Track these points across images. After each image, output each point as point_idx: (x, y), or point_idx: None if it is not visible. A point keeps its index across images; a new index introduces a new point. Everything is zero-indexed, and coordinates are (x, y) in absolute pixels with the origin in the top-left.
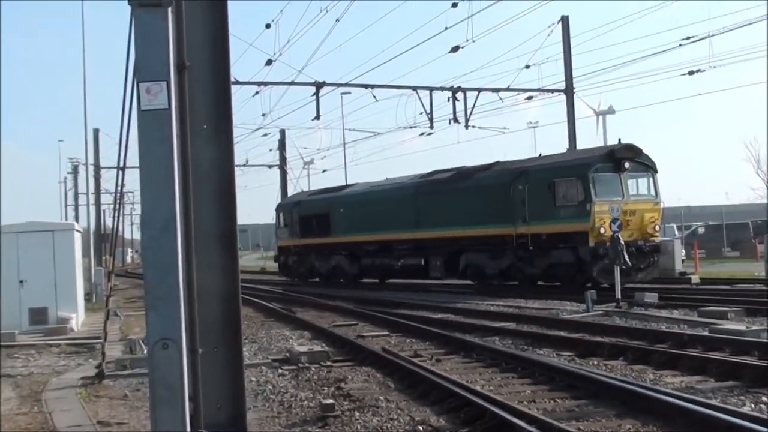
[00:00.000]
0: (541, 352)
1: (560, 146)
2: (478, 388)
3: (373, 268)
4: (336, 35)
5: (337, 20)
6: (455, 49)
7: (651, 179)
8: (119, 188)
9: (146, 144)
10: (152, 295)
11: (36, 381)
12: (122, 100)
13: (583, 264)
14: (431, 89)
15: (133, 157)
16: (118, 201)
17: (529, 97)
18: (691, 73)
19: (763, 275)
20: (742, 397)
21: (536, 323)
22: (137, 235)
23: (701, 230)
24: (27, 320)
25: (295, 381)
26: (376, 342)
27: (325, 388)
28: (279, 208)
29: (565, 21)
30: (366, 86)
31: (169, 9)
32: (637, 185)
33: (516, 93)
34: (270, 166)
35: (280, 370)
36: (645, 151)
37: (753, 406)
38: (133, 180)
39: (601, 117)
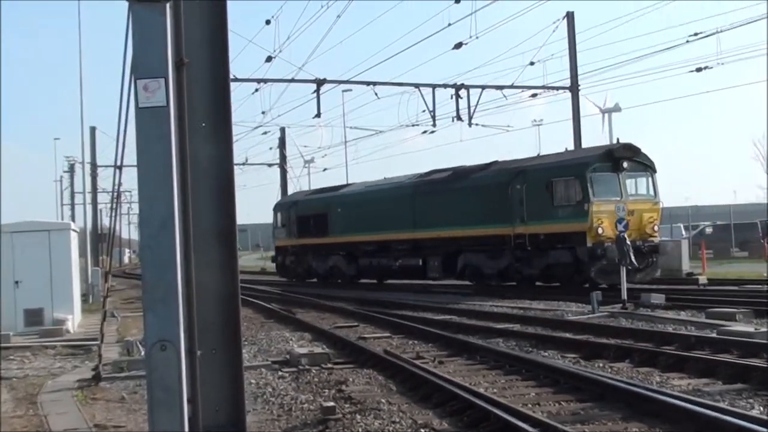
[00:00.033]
0: (546, 353)
1: (565, 144)
2: (481, 390)
3: (371, 268)
4: (337, 32)
5: (338, 16)
6: (458, 45)
7: (650, 179)
8: (116, 187)
9: (144, 142)
10: (150, 295)
11: (31, 383)
12: (119, 98)
13: (581, 264)
14: (434, 86)
15: (131, 156)
16: (115, 200)
17: (534, 95)
18: (698, 70)
19: None
20: (751, 400)
21: (541, 324)
22: (135, 235)
23: (709, 230)
24: (22, 321)
25: (295, 383)
26: (378, 344)
27: (326, 390)
28: (276, 208)
29: (570, 17)
30: (367, 83)
31: (168, 5)
32: (636, 185)
33: (520, 90)
34: (270, 165)
35: (280, 372)
36: (651, 149)
37: (762, 409)
38: (130, 179)
39: (606, 115)
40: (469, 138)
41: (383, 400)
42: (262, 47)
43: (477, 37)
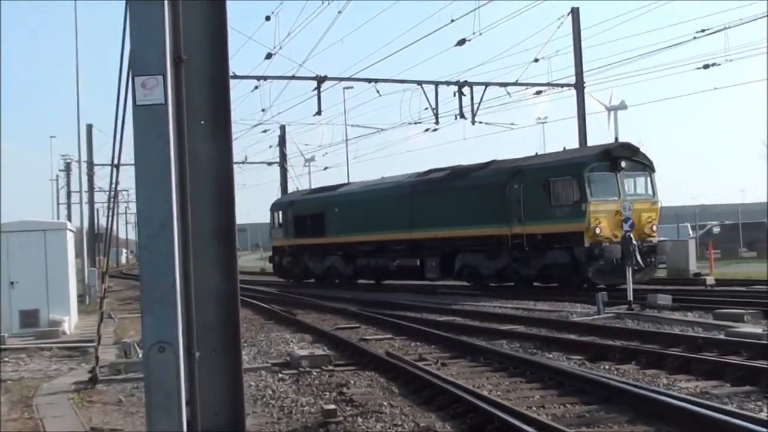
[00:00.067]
0: (551, 355)
1: (570, 143)
2: (485, 393)
3: (369, 269)
4: (338, 28)
5: (339, 12)
6: (461, 42)
7: (648, 178)
8: (114, 186)
9: (142, 140)
10: (148, 296)
11: (27, 386)
12: (117, 95)
13: (579, 265)
14: (436, 84)
15: (129, 154)
16: (112, 199)
17: (538, 92)
18: (706, 66)
19: None
20: (759, 403)
21: (545, 326)
22: (132, 235)
23: (716, 230)
24: (17, 323)
25: (295, 386)
26: (380, 345)
27: (327, 393)
28: (274, 208)
29: (575, 13)
30: (369, 81)
31: (166, 1)
32: (635, 185)
33: (524, 87)
34: (270, 164)
35: (280, 375)
36: (657, 147)
37: None
38: (128, 177)
39: (612, 112)
40: (472, 136)
41: (385, 403)
42: (261, 44)
43: (480, 34)
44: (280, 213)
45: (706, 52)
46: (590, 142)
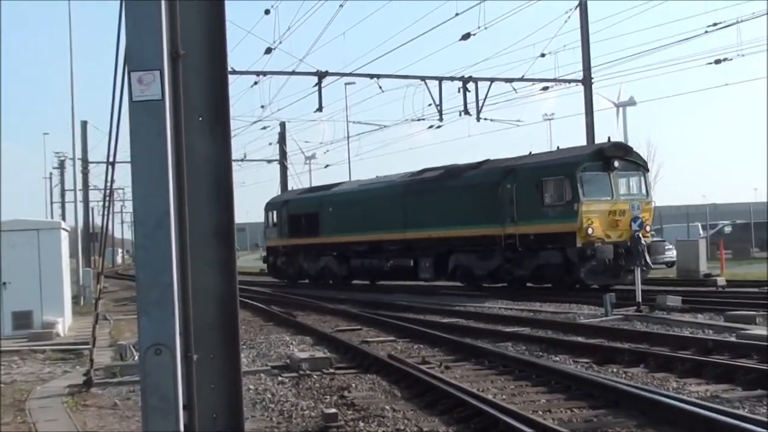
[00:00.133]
0: (557, 358)
1: (578, 140)
2: (489, 396)
3: (363, 269)
4: (339, 22)
5: (341, 6)
6: (466, 36)
7: (642, 178)
8: (109, 184)
9: (138, 137)
10: (144, 297)
11: (19, 389)
12: (112, 91)
13: (571, 265)
14: (440, 79)
15: (124, 151)
16: (107, 198)
17: (545, 88)
18: (717, 62)
19: None
20: None
21: (551, 328)
22: (128, 235)
23: (728, 229)
24: (10, 325)
25: (295, 389)
26: (382, 348)
27: (328, 396)
28: (268, 207)
29: (583, 6)
30: (371, 76)
31: None
32: (628, 184)
33: (531, 83)
34: (269, 161)
35: (279, 378)
36: (666, 144)
37: None
38: (123, 175)
39: (621, 109)
40: (477, 133)
41: (387, 407)
42: (261, 38)
43: (486, 28)
44: (275, 213)
45: (717, 46)
46: (598, 139)
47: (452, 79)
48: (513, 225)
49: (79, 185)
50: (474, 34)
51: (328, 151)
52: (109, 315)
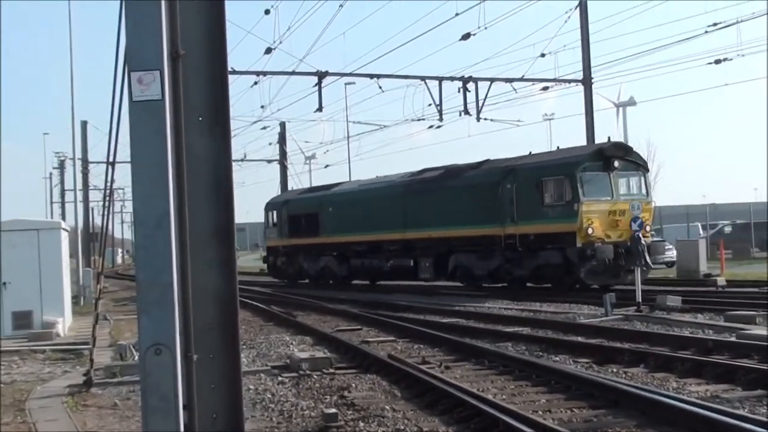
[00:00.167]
0: (557, 358)
1: (578, 140)
2: (489, 396)
3: (363, 269)
4: (339, 22)
5: (341, 6)
6: (466, 36)
7: (642, 178)
8: (109, 184)
9: (138, 137)
10: (145, 297)
11: (19, 389)
12: (112, 91)
13: (571, 265)
14: (441, 79)
15: (124, 151)
16: (107, 198)
17: (545, 88)
18: (717, 62)
19: None
20: None
21: (552, 328)
22: (128, 235)
23: (728, 229)
24: (10, 325)
25: (295, 389)
26: (382, 348)
27: (328, 396)
28: (268, 207)
29: (583, 6)
30: (371, 76)
31: None
32: (628, 184)
33: (531, 83)
34: (269, 161)
35: (279, 378)
36: (666, 144)
37: None
38: (123, 175)
39: (621, 109)
40: (477, 133)
41: (387, 407)
42: (261, 38)
43: (486, 28)
44: (274, 213)
45: (717, 46)
46: (598, 139)
47: (452, 79)
48: (513, 225)
49: (79, 185)
50: (474, 34)
51: (328, 151)
52: (109, 315)
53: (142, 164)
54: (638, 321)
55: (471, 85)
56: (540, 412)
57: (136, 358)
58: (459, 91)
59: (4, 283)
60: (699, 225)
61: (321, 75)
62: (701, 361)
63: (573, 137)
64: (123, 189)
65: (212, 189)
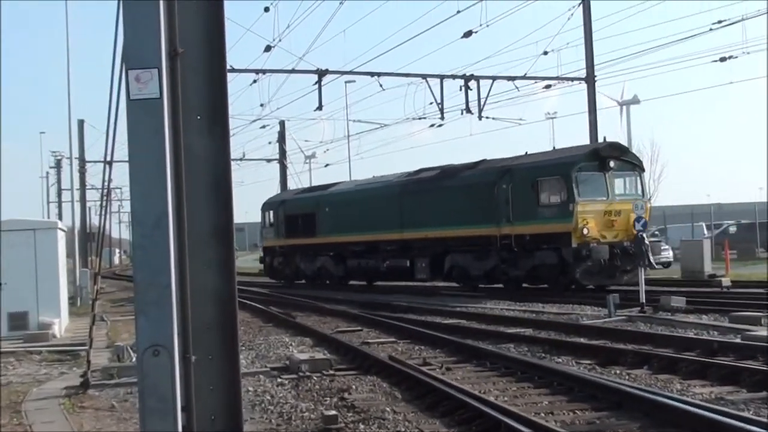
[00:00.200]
0: (560, 360)
1: (581, 139)
2: (491, 398)
3: (359, 269)
4: (340, 19)
5: (341, 3)
6: (468, 34)
7: (638, 178)
8: (106, 183)
9: (136, 136)
10: (142, 297)
11: (15, 391)
12: (109, 89)
13: (566, 265)
14: (442, 77)
15: (122, 150)
16: (105, 197)
17: (548, 86)
18: (722, 59)
19: None
20: None
21: (554, 329)
22: (126, 235)
23: (733, 229)
24: (6, 326)
25: (295, 391)
26: (383, 349)
27: (328, 398)
28: (265, 207)
29: (586, 4)
30: (372, 74)
31: None
32: (625, 184)
33: (533, 81)
34: (269, 160)
35: (279, 379)
36: (670, 143)
37: None
38: (121, 174)
39: (624, 107)
40: (479, 132)
41: (388, 409)
42: (260, 36)
43: (488, 25)
44: (271, 213)
45: (722, 44)
46: (601, 138)
47: (454, 77)
48: (509, 225)
49: (76, 185)
50: (476, 32)
51: (328, 150)
52: (107, 316)
53: (140, 163)
54: (642, 322)
55: (473, 84)
56: (542, 414)
57: (134, 359)
58: (460, 90)
59: (0, 284)
60: (704, 225)
61: (321, 73)
62: (706, 362)
63: (576, 136)
64: (121, 188)
65: (211, 189)
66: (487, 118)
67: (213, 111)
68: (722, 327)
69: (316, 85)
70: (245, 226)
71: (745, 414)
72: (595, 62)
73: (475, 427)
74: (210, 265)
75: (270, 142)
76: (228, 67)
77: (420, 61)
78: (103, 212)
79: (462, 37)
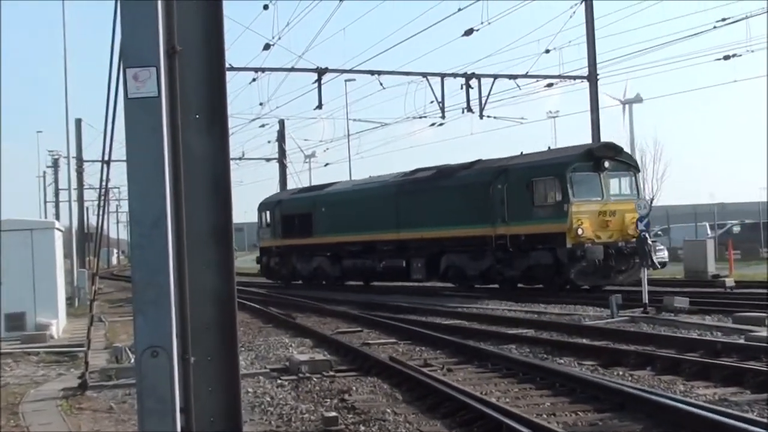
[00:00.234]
0: (562, 361)
1: (583, 138)
2: (493, 399)
3: (356, 269)
4: (339, 17)
5: (341, 1)
6: (469, 32)
7: (632, 179)
8: (104, 183)
9: (134, 135)
10: (141, 298)
11: (12, 392)
12: (107, 88)
13: (561, 266)
14: (443, 76)
15: (120, 150)
16: (102, 197)
17: (549, 85)
18: (726, 57)
19: None
20: None
21: (556, 330)
22: (124, 234)
23: (736, 229)
24: (3, 327)
25: (295, 392)
26: (383, 350)
27: (328, 399)
28: (261, 207)
29: (588, 1)
30: (372, 73)
31: None
32: (619, 185)
33: (535, 80)
34: (268, 160)
35: (279, 381)
36: (673, 142)
37: None
38: (119, 174)
39: (627, 106)
40: (480, 131)
41: (389, 410)
42: (259, 34)
43: (489, 23)
44: (268, 213)
45: (726, 42)
46: (604, 137)
47: (455, 75)
48: (504, 225)
49: (74, 184)
50: (477, 30)
51: (328, 149)
52: (104, 317)
53: (138, 162)
54: (645, 323)
55: (474, 82)
56: (544, 416)
57: (132, 360)
58: (461, 88)
59: None
60: (707, 225)
61: (321, 71)
62: (709, 363)
63: (578, 135)
64: (118, 188)
65: (210, 188)
66: (488, 117)
67: (212, 110)
68: (726, 328)
69: (316, 84)
70: (244, 225)
71: (749, 415)
72: (598, 60)
73: (476, 429)
74: (209, 265)
75: (269, 141)
76: (227, 66)
77: (420, 59)
78: (100, 212)
79: (463, 35)
